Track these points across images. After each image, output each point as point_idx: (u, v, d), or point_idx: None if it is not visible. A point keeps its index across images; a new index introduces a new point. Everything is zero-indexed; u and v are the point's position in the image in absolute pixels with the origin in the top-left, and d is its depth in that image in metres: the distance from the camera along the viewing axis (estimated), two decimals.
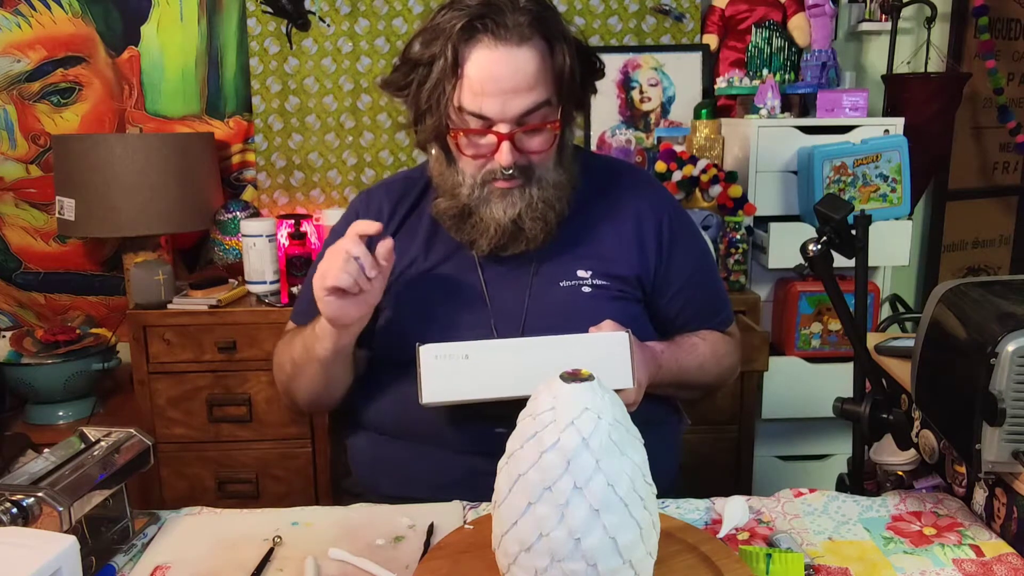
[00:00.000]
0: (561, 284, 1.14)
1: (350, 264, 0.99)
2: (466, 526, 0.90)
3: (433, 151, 1.15)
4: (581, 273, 1.14)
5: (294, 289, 2.07)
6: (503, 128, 1.04)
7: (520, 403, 0.76)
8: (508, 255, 1.13)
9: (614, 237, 1.17)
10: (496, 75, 1.02)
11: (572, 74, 1.06)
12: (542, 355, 0.98)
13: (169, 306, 2.05)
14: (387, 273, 1.04)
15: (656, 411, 1.18)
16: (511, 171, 1.06)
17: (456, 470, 1.10)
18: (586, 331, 1.07)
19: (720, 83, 2.31)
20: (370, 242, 1.18)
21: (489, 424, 1.03)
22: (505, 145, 1.05)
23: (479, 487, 0.96)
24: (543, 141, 1.08)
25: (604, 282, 1.14)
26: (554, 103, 1.06)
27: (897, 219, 2.09)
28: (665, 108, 2.39)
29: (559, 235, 1.15)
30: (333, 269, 0.99)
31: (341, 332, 1.06)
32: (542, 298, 1.13)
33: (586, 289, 1.13)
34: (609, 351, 0.98)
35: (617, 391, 0.77)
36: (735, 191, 2.04)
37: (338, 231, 1.24)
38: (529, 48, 1.02)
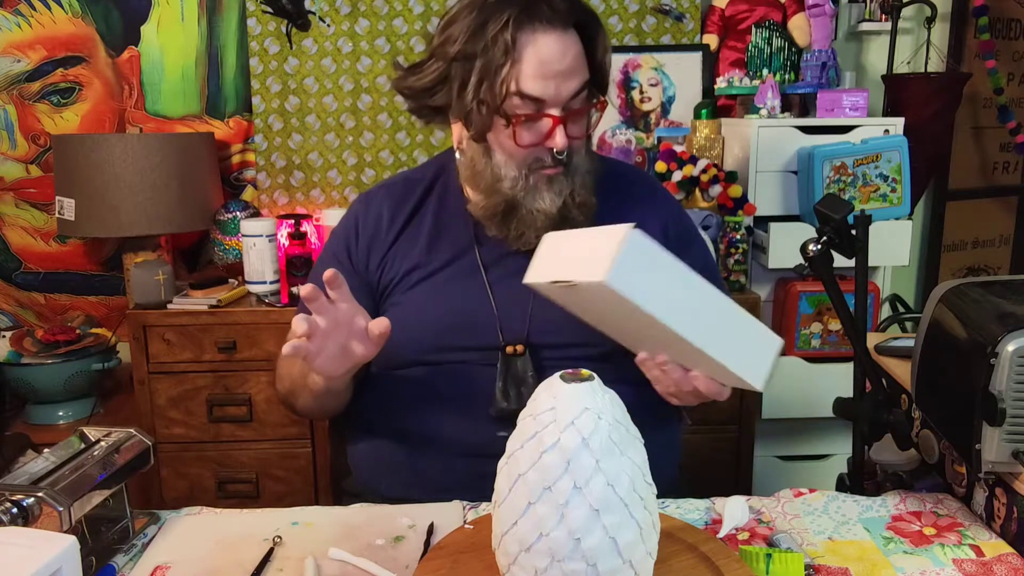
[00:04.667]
0: None
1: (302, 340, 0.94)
2: (466, 526, 0.90)
3: (458, 153, 1.15)
4: None
5: (294, 289, 2.07)
6: (555, 111, 1.05)
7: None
8: (513, 252, 1.13)
9: None
10: (551, 58, 1.03)
11: (608, 59, 1.09)
12: (716, 315, 0.89)
13: (169, 306, 2.05)
14: (345, 315, 0.97)
15: (656, 411, 1.18)
16: (563, 155, 1.07)
17: (458, 473, 1.10)
18: (588, 333, 1.07)
19: (720, 83, 2.31)
20: (374, 239, 1.19)
21: (494, 429, 1.03)
22: (560, 128, 1.05)
23: (480, 489, 0.96)
24: (583, 126, 1.10)
25: None
26: (592, 88, 1.09)
27: (897, 219, 2.09)
28: (665, 108, 2.39)
29: None
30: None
31: (329, 379, 1.03)
32: (547, 303, 1.13)
33: None
34: (759, 347, 0.91)
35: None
36: (735, 191, 2.04)
37: (338, 234, 1.24)
38: (573, 33, 1.05)
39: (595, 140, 2.38)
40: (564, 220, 1.09)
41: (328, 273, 0.94)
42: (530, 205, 1.09)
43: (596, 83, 1.10)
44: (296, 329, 0.91)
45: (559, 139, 1.05)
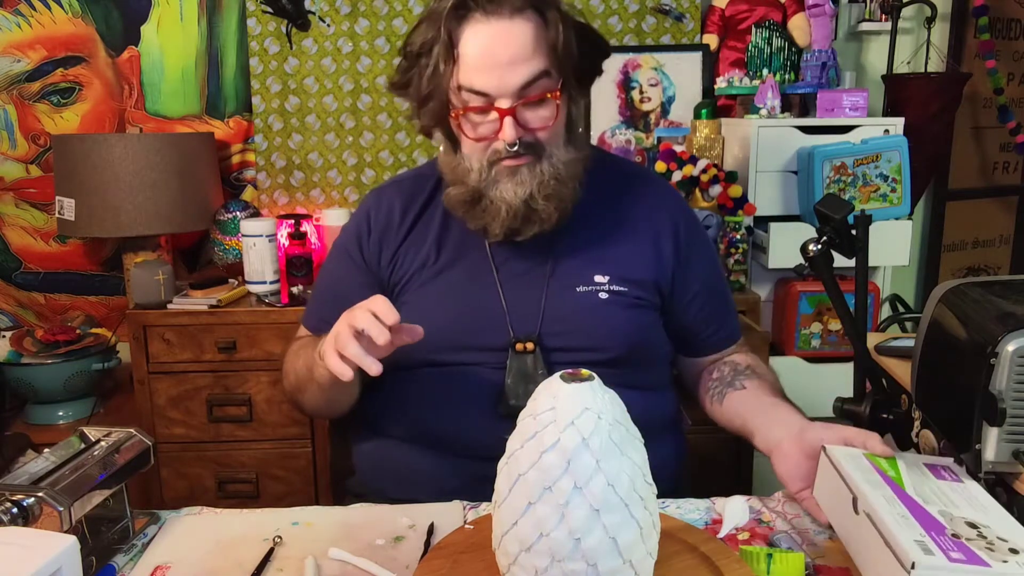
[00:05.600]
0: (578, 289, 1.12)
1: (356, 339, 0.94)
2: (466, 526, 0.90)
3: (441, 147, 1.14)
4: (598, 278, 1.12)
5: (294, 289, 2.07)
6: (504, 103, 1.02)
7: None
8: (523, 250, 1.12)
9: (631, 241, 1.16)
10: (490, 49, 1.01)
11: (567, 45, 1.04)
12: None
13: (169, 306, 2.05)
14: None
15: (656, 411, 1.18)
16: (516, 148, 1.04)
17: (464, 475, 1.09)
18: (600, 337, 1.07)
19: (720, 83, 2.31)
20: (385, 234, 1.18)
21: (501, 431, 1.03)
22: (507, 120, 1.02)
23: (485, 492, 0.95)
24: (546, 116, 1.06)
25: (622, 288, 1.13)
26: (554, 75, 1.04)
27: (897, 219, 2.09)
28: (665, 108, 2.39)
29: (575, 237, 1.14)
30: (342, 339, 0.94)
31: None
32: (558, 302, 1.12)
33: (603, 295, 1.12)
34: None
35: None
36: (735, 191, 2.04)
37: (349, 229, 1.23)
38: (523, 20, 1.01)
39: (594, 140, 2.39)
40: (530, 211, 1.07)
41: (387, 314, 0.92)
42: (493, 195, 1.07)
43: (561, 69, 1.05)
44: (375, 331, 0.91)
45: (507, 132, 1.03)
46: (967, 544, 0.75)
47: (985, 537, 0.77)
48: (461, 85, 1.03)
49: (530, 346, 1.09)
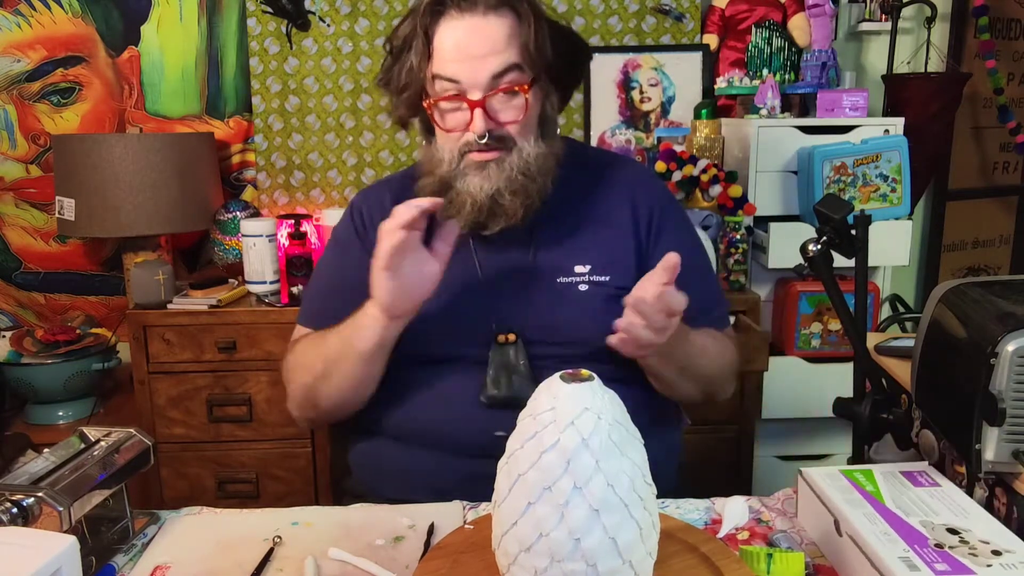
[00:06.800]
0: (559, 280, 1.13)
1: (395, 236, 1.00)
2: (466, 526, 0.90)
3: (422, 141, 1.18)
4: (579, 269, 1.14)
5: (294, 289, 2.07)
6: (475, 95, 1.06)
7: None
8: (505, 243, 1.13)
9: (610, 230, 1.17)
10: (463, 43, 1.05)
11: (540, 41, 1.08)
12: None
13: (169, 306, 2.05)
14: (442, 258, 1.06)
15: (656, 411, 1.18)
16: (486, 139, 1.07)
17: (457, 473, 1.10)
18: (580, 329, 1.08)
19: (720, 83, 2.31)
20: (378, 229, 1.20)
21: (489, 427, 1.03)
22: (477, 112, 1.06)
23: (481, 491, 0.96)
24: (516, 110, 1.08)
25: (602, 278, 1.13)
26: (525, 70, 1.08)
27: (897, 219, 2.09)
28: (665, 108, 2.39)
29: (555, 229, 1.15)
30: (384, 244, 1.00)
31: (390, 323, 1.05)
32: (540, 295, 1.13)
33: (583, 287, 1.13)
34: None
35: None
36: (735, 191, 2.04)
37: (339, 233, 1.24)
38: (496, 17, 1.06)
39: (594, 140, 2.39)
40: (496, 206, 1.09)
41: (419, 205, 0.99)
42: (460, 187, 1.09)
43: (532, 65, 1.08)
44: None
45: (477, 123, 1.06)
46: (950, 553, 0.75)
47: (967, 542, 0.77)
48: (435, 74, 1.07)
49: (512, 337, 1.10)
